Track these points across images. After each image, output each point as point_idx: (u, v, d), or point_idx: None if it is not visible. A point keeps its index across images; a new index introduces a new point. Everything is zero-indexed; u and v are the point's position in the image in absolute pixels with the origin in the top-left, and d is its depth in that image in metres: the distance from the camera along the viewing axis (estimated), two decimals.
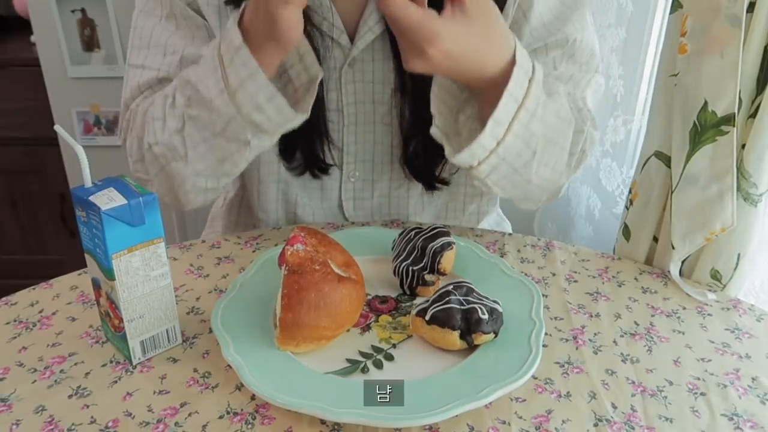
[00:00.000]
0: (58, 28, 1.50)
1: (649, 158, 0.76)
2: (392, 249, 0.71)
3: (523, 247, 0.80)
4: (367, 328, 0.63)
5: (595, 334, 0.65)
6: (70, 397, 0.56)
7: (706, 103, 0.67)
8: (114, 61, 1.54)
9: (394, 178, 0.84)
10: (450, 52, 0.58)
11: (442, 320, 0.58)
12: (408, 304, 0.67)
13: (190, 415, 0.54)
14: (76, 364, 0.59)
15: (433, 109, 0.68)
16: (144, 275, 0.57)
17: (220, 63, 0.63)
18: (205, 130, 0.67)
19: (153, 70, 0.75)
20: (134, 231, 0.54)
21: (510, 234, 0.83)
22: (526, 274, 0.71)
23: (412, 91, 0.75)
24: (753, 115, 0.67)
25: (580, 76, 0.76)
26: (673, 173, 0.73)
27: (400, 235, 0.71)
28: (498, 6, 0.72)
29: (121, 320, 0.57)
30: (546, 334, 0.62)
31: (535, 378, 0.58)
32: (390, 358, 0.59)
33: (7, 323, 0.65)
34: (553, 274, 0.74)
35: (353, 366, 0.58)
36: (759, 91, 0.66)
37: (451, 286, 0.61)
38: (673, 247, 0.73)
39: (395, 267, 0.68)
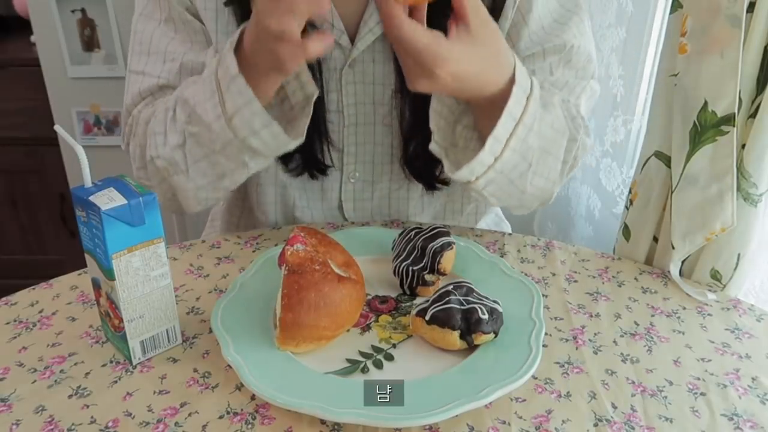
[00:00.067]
0: (58, 28, 1.50)
1: (649, 158, 0.76)
2: (392, 249, 0.71)
3: (523, 247, 0.80)
4: (367, 328, 0.63)
5: (595, 334, 0.65)
6: (70, 397, 0.56)
7: (706, 103, 0.67)
8: (114, 61, 1.54)
9: (394, 179, 0.84)
10: (457, 74, 0.58)
11: (442, 320, 0.58)
12: (408, 304, 0.67)
13: (190, 415, 0.54)
14: (76, 364, 0.59)
15: (432, 125, 0.69)
16: (144, 275, 0.57)
17: (218, 88, 0.64)
18: (205, 147, 0.68)
19: (153, 77, 0.75)
20: (134, 231, 0.54)
21: (510, 234, 0.83)
22: (526, 274, 0.71)
23: (413, 93, 0.75)
24: (753, 115, 0.67)
25: (575, 82, 0.76)
26: (673, 173, 0.73)
27: (400, 235, 0.71)
28: (496, 9, 0.73)
29: (121, 320, 0.57)
30: (546, 334, 0.62)
31: (535, 378, 0.58)
32: (390, 358, 0.59)
33: (7, 323, 0.65)
34: (553, 274, 0.74)
35: (353, 366, 0.58)
36: (759, 91, 0.66)
37: (451, 286, 0.61)
38: (673, 247, 0.73)
39: (395, 267, 0.68)
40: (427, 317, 0.59)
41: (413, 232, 0.69)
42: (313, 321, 0.57)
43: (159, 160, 0.71)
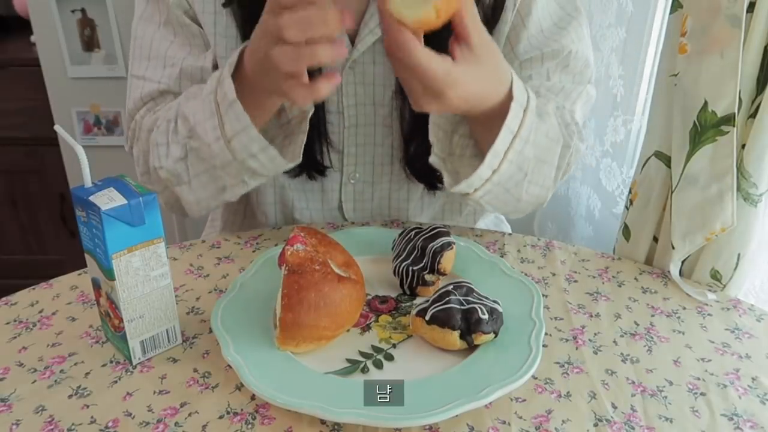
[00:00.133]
0: (58, 28, 1.50)
1: (649, 158, 0.76)
2: (392, 249, 0.71)
3: (523, 247, 0.80)
4: (367, 328, 0.63)
5: (595, 334, 0.65)
6: (70, 397, 0.56)
7: (706, 103, 0.67)
8: (114, 61, 1.54)
9: (394, 180, 0.84)
10: (466, 96, 0.59)
11: (442, 320, 0.58)
12: (408, 304, 0.67)
13: (190, 415, 0.54)
14: (76, 364, 0.59)
15: (432, 137, 0.70)
16: (144, 275, 0.57)
17: (217, 110, 0.64)
18: (206, 162, 0.69)
19: (154, 82, 0.76)
20: (134, 231, 0.54)
21: (510, 234, 0.83)
22: (526, 274, 0.71)
23: None
24: (753, 115, 0.67)
25: (571, 87, 0.77)
26: (673, 173, 0.73)
27: (400, 235, 0.71)
28: (496, 13, 0.73)
29: (121, 320, 0.57)
30: (546, 334, 0.62)
31: (535, 378, 0.58)
32: (390, 358, 0.59)
33: (7, 323, 0.65)
34: (553, 274, 0.74)
35: (353, 366, 0.58)
36: (759, 91, 0.66)
37: (451, 286, 0.61)
38: (673, 247, 0.73)
39: (395, 267, 0.68)
40: (427, 317, 0.59)
41: (413, 232, 0.69)
42: (313, 321, 0.57)
43: (162, 170, 0.72)
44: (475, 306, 0.58)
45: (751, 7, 0.63)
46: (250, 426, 0.53)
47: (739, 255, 0.72)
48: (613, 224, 1.01)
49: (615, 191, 1.11)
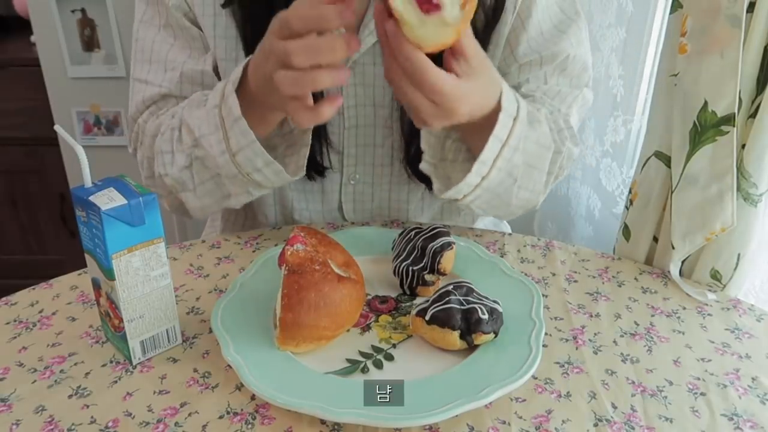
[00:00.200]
0: (58, 28, 1.50)
1: (649, 158, 0.76)
2: (392, 249, 0.71)
3: (523, 247, 0.80)
4: (367, 328, 0.63)
5: (595, 334, 0.65)
6: (70, 397, 0.56)
7: (706, 103, 0.67)
8: (114, 61, 1.54)
9: (394, 181, 0.84)
10: (471, 108, 0.60)
11: (442, 320, 0.58)
12: (408, 304, 0.67)
13: (190, 415, 0.54)
14: (76, 364, 0.59)
15: (424, 144, 0.70)
16: (144, 275, 0.57)
17: (222, 125, 0.65)
18: (211, 170, 0.70)
19: (155, 86, 0.77)
20: (134, 231, 0.54)
21: (510, 234, 0.83)
22: (526, 274, 0.71)
23: None
24: (753, 115, 0.67)
25: (567, 91, 0.77)
26: (673, 173, 0.73)
27: (400, 235, 0.71)
28: (496, 15, 0.73)
29: (121, 320, 0.57)
30: (546, 334, 0.62)
31: (535, 378, 0.58)
32: (390, 358, 0.59)
33: (7, 323, 0.65)
34: (553, 274, 0.74)
35: (353, 366, 0.58)
36: (759, 91, 0.66)
37: (451, 286, 0.61)
38: (673, 247, 0.73)
39: (395, 267, 0.68)
40: (427, 317, 0.59)
41: (413, 232, 0.69)
42: (313, 321, 0.57)
43: (167, 178, 0.73)
44: (475, 306, 0.58)
45: (751, 7, 0.63)
46: (250, 426, 0.53)
47: (739, 255, 0.72)
48: (613, 224, 1.01)
49: (615, 191, 1.11)
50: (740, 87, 0.65)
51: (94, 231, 0.54)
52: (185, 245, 0.78)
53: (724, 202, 0.69)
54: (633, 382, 0.58)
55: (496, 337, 0.59)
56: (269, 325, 0.61)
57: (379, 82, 0.77)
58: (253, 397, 0.55)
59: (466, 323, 0.58)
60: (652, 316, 0.68)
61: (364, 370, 0.58)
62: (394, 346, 0.61)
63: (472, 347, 0.59)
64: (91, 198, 0.53)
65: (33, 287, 0.70)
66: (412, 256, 0.67)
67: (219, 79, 0.77)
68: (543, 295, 0.67)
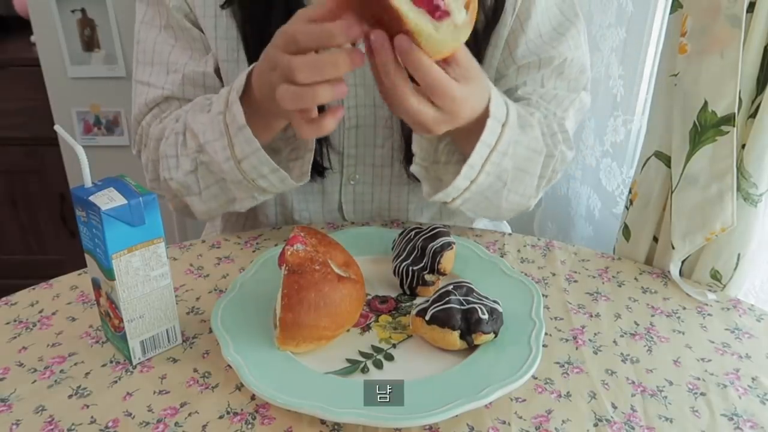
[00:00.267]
0: (58, 28, 1.50)
1: (649, 158, 0.76)
2: (392, 249, 0.71)
3: (523, 247, 0.80)
4: (367, 328, 0.63)
5: (595, 334, 0.65)
6: (70, 397, 0.56)
7: (706, 103, 0.67)
8: (114, 61, 1.54)
9: (394, 181, 0.84)
10: (470, 112, 0.60)
11: (442, 320, 0.58)
12: (408, 304, 0.67)
13: (190, 415, 0.54)
14: (76, 364, 0.59)
15: (415, 147, 0.70)
16: (144, 275, 0.57)
17: (226, 132, 0.65)
18: (216, 174, 0.70)
19: (158, 88, 0.77)
20: (134, 231, 0.54)
21: (510, 234, 0.83)
22: (526, 274, 0.71)
23: None
24: (753, 115, 0.67)
25: (564, 95, 0.77)
26: (673, 173, 0.73)
27: (400, 235, 0.71)
28: (496, 16, 0.73)
29: (121, 320, 0.57)
30: (546, 334, 0.62)
31: (535, 378, 0.58)
32: (390, 358, 0.59)
33: (7, 323, 0.65)
34: (553, 274, 0.74)
35: (353, 366, 0.58)
36: (759, 91, 0.66)
37: (451, 286, 0.61)
38: (673, 247, 0.73)
39: (395, 267, 0.68)
40: (427, 317, 0.59)
41: (413, 232, 0.69)
42: (313, 321, 0.57)
43: (172, 182, 0.73)
44: (475, 306, 0.58)
45: (751, 7, 0.63)
46: (250, 426, 0.53)
47: (739, 255, 0.72)
48: (613, 224, 1.01)
49: (615, 191, 1.11)
50: (740, 87, 0.65)
51: (94, 231, 0.54)
52: (185, 245, 0.78)
53: (724, 202, 0.69)
54: (633, 382, 0.58)
55: (496, 337, 0.59)
56: (269, 325, 0.61)
57: None
58: (253, 397, 0.55)
59: (466, 323, 0.58)
60: (652, 316, 0.68)
61: (364, 370, 0.58)
62: (394, 346, 0.61)
63: (472, 347, 0.59)
64: (91, 198, 0.53)
65: (33, 287, 0.70)
66: (412, 256, 0.67)
67: (220, 80, 0.77)
68: (543, 295, 0.67)
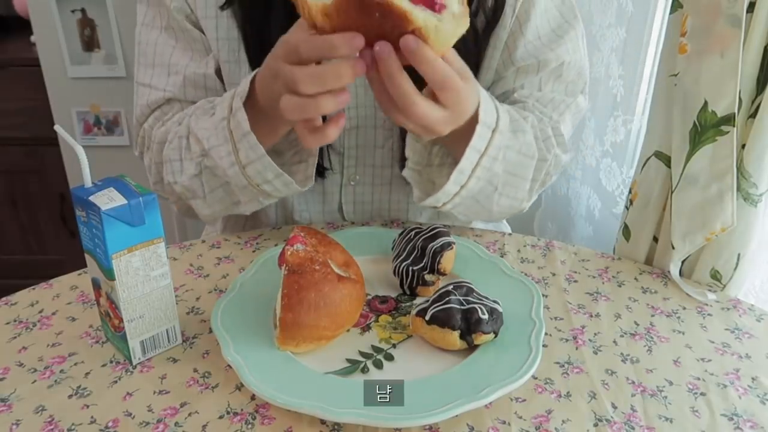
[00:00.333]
0: (58, 28, 1.50)
1: (649, 158, 0.76)
2: (392, 249, 0.71)
3: (523, 247, 0.80)
4: (367, 328, 0.63)
5: (595, 334, 0.65)
6: (70, 397, 0.56)
7: (706, 103, 0.67)
8: (114, 61, 1.54)
9: (394, 182, 0.84)
10: (470, 111, 0.60)
11: (442, 320, 0.58)
12: (408, 304, 0.67)
13: (190, 415, 0.54)
14: (76, 364, 0.59)
15: (408, 150, 0.71)
16: (144, 275, 0.57)
17: (230, 138, 0.65)
18: (220, 178, 0.70)
19: (159, 90, 0.77)
20: (134, 231, 0.54)
21: (510, 234, 0.83)
22: (526, 274, 0.71)
23: None
24: (753, 115, 0.67)
25: (561, 99, 0.77)
26: (673, 173, 0.73)
27: (400, 235, 0.71)
28: (496, 13, 0.74)
29: (121, 320, 0.57)
30: (546, 334, 0.62)
31: (535, 378, 0.58)
32: (390, 358, 0.59)
33: (7, 323, 0.65)
34: (553, 274, 0.74)
35: (353, 366, 0.58)
36: (759, 91, 0.66)
37: (451, 286, 0.61)
38: (673, 247, 0.73)
39: (395, 267, 0.68)
40: (427, 317, 0.59)
41: (413, 232, 0.69)
42: (313, 321, 0.57)
43: (177, 186, 0.73)
44: (475, 306, 0.58)
45: (751, 7, 0.63)
46: (250, 426, 0.53)
47: (739, 255, 0.72)
48: (613, 224, 1.01)
49: (615, 191, 1.11)
50: (740, 87, 0.65)
51: (94, 231, 0.54)
52: (185, 245, 0.78)
53: (724, 202, 0.69)
54: (633, 382, 0.58)
55: (496, 337, 0.59)
56: (269, 325, 0.61)
57: None
58: (253, 397, 0.55)
59: (466, 323, 0.58)
60: (652, 316, 0.68)
61: (364, 370, 0.58)
62: (394, 346, 0.61)
63: (472, 347, 0.59)
64: (91, 198, 0.53)
65: (33, 287, 0.70)
66: (412, 256, 0.67)
67: (221, 81, 0.77)
68: (543, 295, 0.67)
